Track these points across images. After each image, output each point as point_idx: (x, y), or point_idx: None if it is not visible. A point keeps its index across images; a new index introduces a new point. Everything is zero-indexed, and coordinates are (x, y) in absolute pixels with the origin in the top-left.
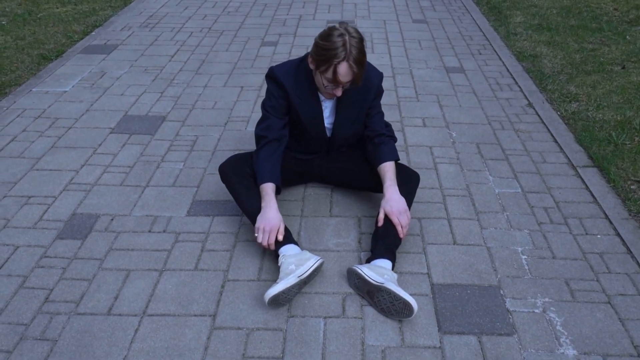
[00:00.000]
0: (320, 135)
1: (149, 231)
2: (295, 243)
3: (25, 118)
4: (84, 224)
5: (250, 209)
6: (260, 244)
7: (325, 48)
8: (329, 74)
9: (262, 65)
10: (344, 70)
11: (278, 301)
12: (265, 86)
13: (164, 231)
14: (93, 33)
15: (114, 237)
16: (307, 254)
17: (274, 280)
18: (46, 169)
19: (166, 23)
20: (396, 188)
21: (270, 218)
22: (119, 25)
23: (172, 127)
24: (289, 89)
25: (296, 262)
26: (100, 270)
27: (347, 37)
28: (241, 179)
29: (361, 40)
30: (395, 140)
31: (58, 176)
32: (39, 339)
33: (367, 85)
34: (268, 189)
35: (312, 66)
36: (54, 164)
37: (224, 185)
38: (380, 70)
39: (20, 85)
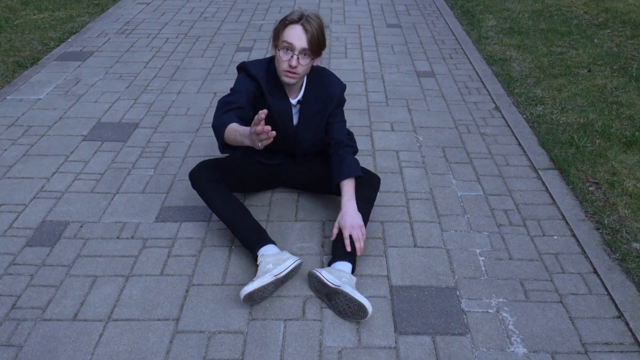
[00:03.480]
0: (288, 130)
1: (117, 237)
2: (274, 244)
3: None
4: (53, 231)
5: (224, 214)
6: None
7: (282, 19)
8: (284, 35)
9: (235, 71)
10: (296, 31)
11: (253, 299)
12: None
13: (132, 237)
14: (69, 40)
15: (82, 243)
16: (286, 254)
17: (238, 284)
18: (17, 177)
19: (143, 29)
20: (354, 202)
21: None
22: (96, 31)
23: (144, 134)
24: (261, 82)
25: (274, 262)
26: (68, 276)
27: (306, 13)
28: (213, 185)
29: (319, 18)
30: (356, 150)
31: (29, 184)
32: (5, 345)
33: (328, 96)
34: (237, 126)
35: (273, 51)
36: (26, 172)
37: (193, 192)
38: (344, 83)
39: None
